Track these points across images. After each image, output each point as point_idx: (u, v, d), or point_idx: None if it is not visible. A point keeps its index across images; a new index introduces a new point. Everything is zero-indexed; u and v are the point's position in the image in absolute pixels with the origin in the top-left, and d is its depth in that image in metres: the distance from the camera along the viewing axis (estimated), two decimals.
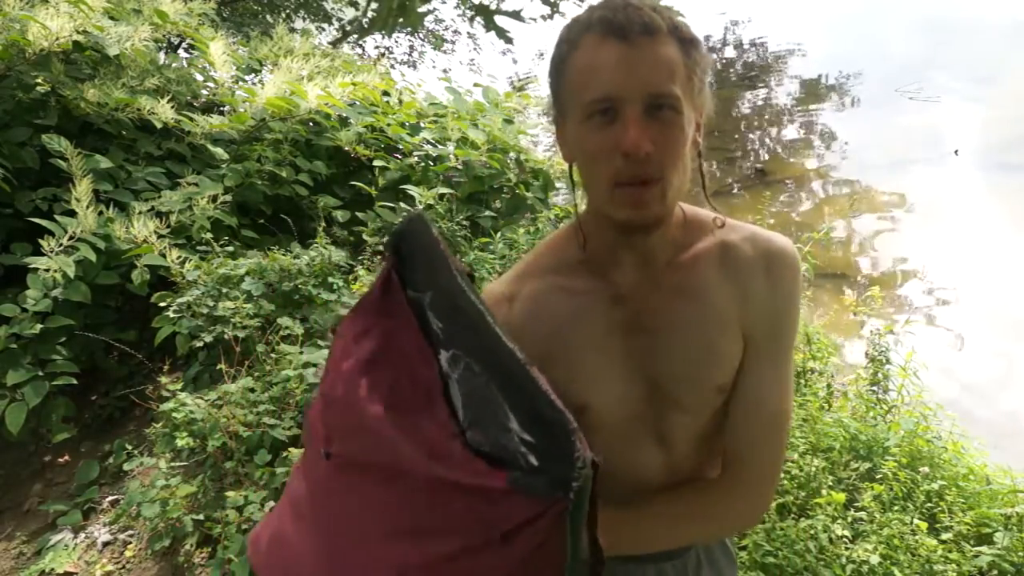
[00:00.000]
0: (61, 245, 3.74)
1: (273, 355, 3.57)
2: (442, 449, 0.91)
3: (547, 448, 0.86)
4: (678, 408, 1.22)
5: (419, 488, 0.92)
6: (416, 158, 5.31)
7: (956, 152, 8.34)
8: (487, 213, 4.98)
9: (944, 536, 2.84)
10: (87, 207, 3.86)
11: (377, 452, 0.96)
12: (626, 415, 1.21)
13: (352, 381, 1.01)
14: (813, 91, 11.58)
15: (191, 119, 4.80)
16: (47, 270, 3.65)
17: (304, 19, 10.10)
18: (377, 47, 13.19)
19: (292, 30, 8.37)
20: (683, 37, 1.06)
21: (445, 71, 12.13)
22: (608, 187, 1.08)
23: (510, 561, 0.87)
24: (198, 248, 4.19)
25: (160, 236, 4.02)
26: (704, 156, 1.22)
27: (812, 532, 2.79)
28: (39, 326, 3.62)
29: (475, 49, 13.88)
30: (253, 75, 6.24)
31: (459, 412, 0.93)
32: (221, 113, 5.63)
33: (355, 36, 11.24)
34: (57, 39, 4.41)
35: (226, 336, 3.58)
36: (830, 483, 3.05)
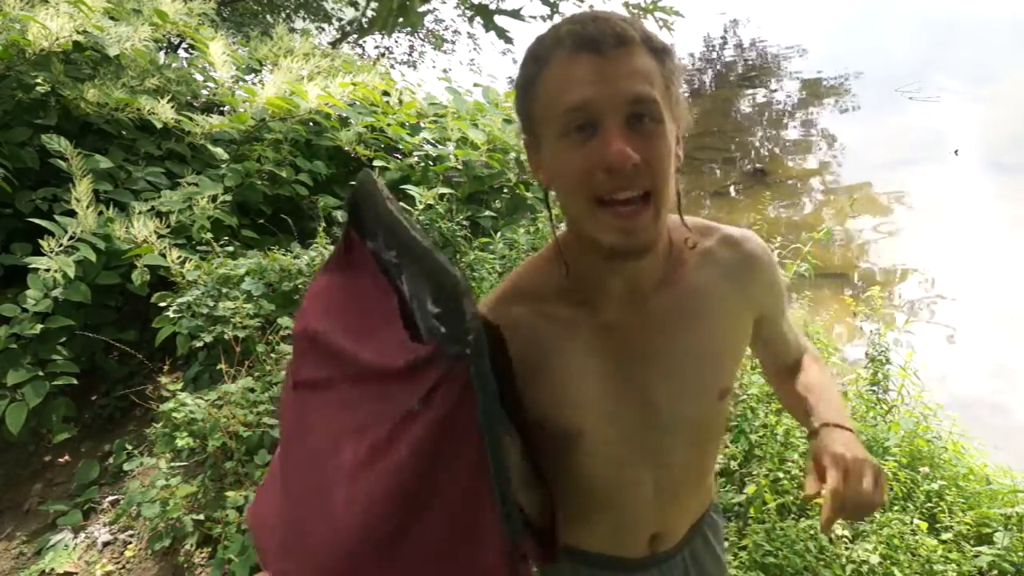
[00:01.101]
0: (61, 245, 3.74)
1: (273, 355, 3.58)
2: (390, 348, 0.97)
3: (448, 313, 0.92)
4: (676, 428, 1.22)
5: (366, 390, 0.99)
6: (416, 158, 5.31)
7: (956, 152, 8.34)
8: (487, 213, 4.98)
9: (944, 536, 2.84)
10: (87, 207, 3.86)
11: (334, 366, 1.03)
12: (621, 439, 1.20)
13: (320, 320, 1.09)
14: (813, 91, 11.58)
15: (191, 119, 4.80)
16: (47, 270, 3.65)
17: (304, 19, 10.10)
18: (377, 47, 13.20)
19: (292, 30, 8.37)
20: (656, 47, 1.02)
21: (445, 71, 12.12)
22: (592, 207, 1.02)
23: (432, 423, 0.91)
24: (198, 248, 4.19)
25: (160, 236, 4.02)
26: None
27: (812, 532, 2.79)
28: (39, 326, 3.61)
29: (475, 49, 13.90)
30: (253, 75, 6.24)
31: (416, 318, 0.99)
32: (221, 113, 5.62)
33: (355, 36, 11.24)
34: (57, 39, 4.41)
35: (226, 336, 3.58)
36: None
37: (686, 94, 1.13)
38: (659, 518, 1.34)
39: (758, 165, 8.86)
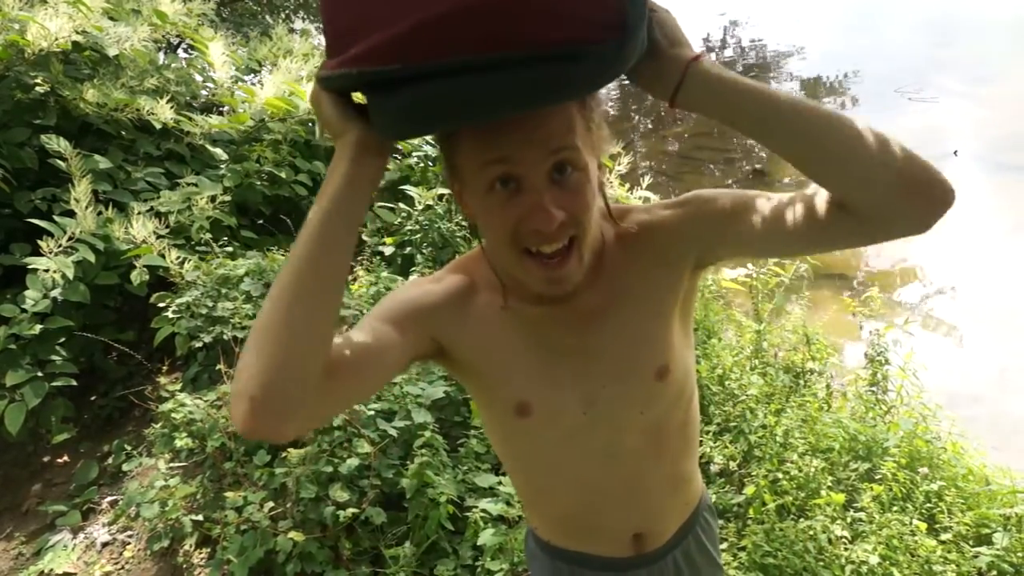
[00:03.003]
0: (60, 246, 3.73)
1: None
2: None
3: None
4: (612, 415, 1.23)
5: None
6: (416, 158, 5.32)
7: (955, 153, 8.33)
8: None
9: (943, 536, 2.84)
10: (86, 207, 3.85)
11: None
12: (566, 425, 1.23)
13: None
14: (812, 91, 11.57)
15: (190, 119, 4.80)
16: (46, 270, 3.65)
17: (303, 19, 10.11)
18: None
19: (291, 30, 8.37)
20: None
21: None
22: (519, 257, 1.06)
23: None
24: (197, 248, 4.19)
25: (159, 236, 4.02)
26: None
27: (811, 533, 2.79)
28: (38, 326, 3.61)
29: None
30: (252, 75, 6.24)
31: None
32: (220, 113, 5.63)
33: None
34: (56, 39, 4.41)
35: (225, 336, 3.58)
36: (829, 484, 3.05)
37: (614, 112, 1.16)
38: (635, 517, 1.35)
39: (757, 166, 8.85)
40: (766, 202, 1.10)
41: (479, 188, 1.03)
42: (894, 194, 1.00)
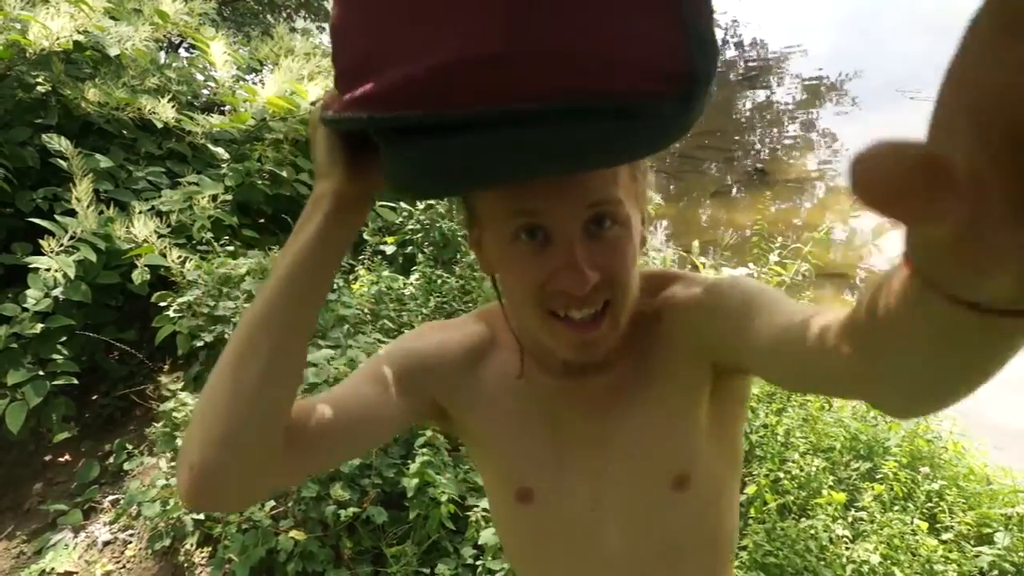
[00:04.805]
0: (62, 245, 3.73)
1: None
2: None
3: None
4: (617, 519, 1.07)
5: None
6: None
7: None
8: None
9: (945, 536, 2.84)
10: (88, 207, 3.85)
11: None
12: (573, 516, 1.08)
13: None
14: (814, 91, 11.58)
15: (192, 119, 4.80)
16: (48, 270, 3.65)
17: (305, 18, 10.10)
18: None
19: (293, 30, 8.36)
20: None
21: None
22: (544, 318, 0.92)
23: None
24: (198, 248, 4.19)
25: (160, 236, 4.02)
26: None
27: (812, 532, 2.79)
28: (40, 326, 3.61)
29: None
30: (254, 74, 6.24)
31: None
32: (222, 113, 5.62)
33: None
34: (58, 39, 4.41)
35: (227, 336, 3.58)
36: (830, 483, 3.05)
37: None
38: None
39: (758, 165, 8.86)
40: (790, 315, 0.82)
41: (501, 237, 0.91)
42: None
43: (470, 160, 0.77)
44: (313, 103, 4.94)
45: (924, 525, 2.81)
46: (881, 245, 6.86)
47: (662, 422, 1.03)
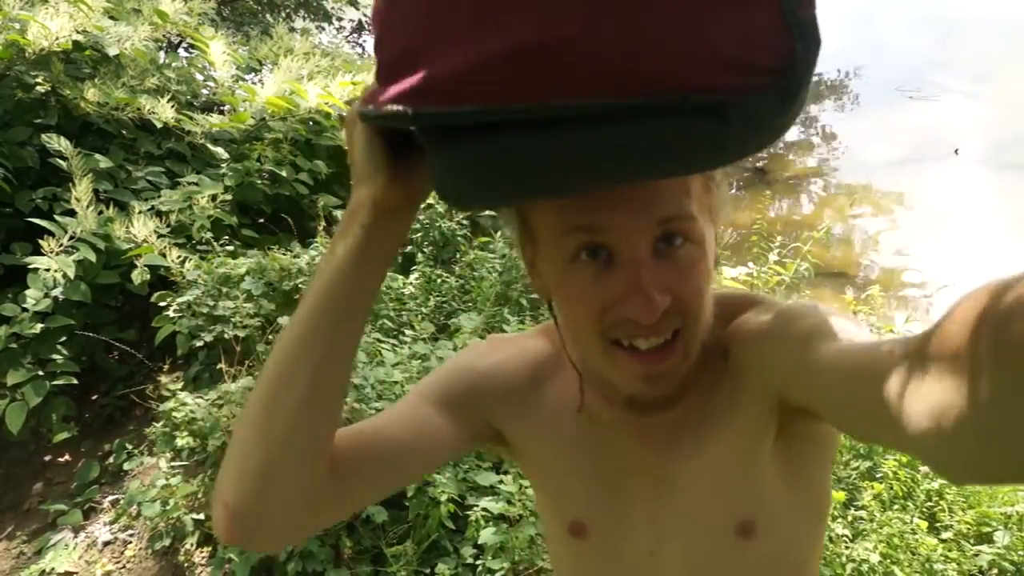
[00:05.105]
0: (61, 245, 3.73)
1: None
2: None
3: None
4: (691, 565, 0.97)
5: None
6: None
7: (956, 151, 8.33)
8: (487, 212, 4.98)
9: (944, 535, 2.84)
10: (87, 207, 3.85)
11: None
12: (629, 557, 0.99)
13: None
14: (813, 90, 11.56)
15: (191, 118, 4.80)
16: (47, 270, 3.65)
17: (304, 18, 10.10)
18: None
19: (292, 29, 8.37)
20: None
21: None
22: (606, 347, 0.82)
23: None
24: (198, 247, 4.19)
25: (160, 236, 4.02)
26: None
27: None
28: (39, 326, 3.61)
29: None
30: (253, 74, 6.24)
31: None
32: (221, 112, 5.62)
33: (355, 34, 11.24)
34: (57, 39, 4.41)
35: (226, 335, 3.58)
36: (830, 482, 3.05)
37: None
38: None
39: (758, 164, 8.85)
40: (863, 354, 0.69)
41: (559, 257, 0.80)
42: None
43: (534, 164, 0.67)
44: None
45: (924, 524, 2.81)
46: (879, 244, 6.86)
47: (726, 464, 0.93)
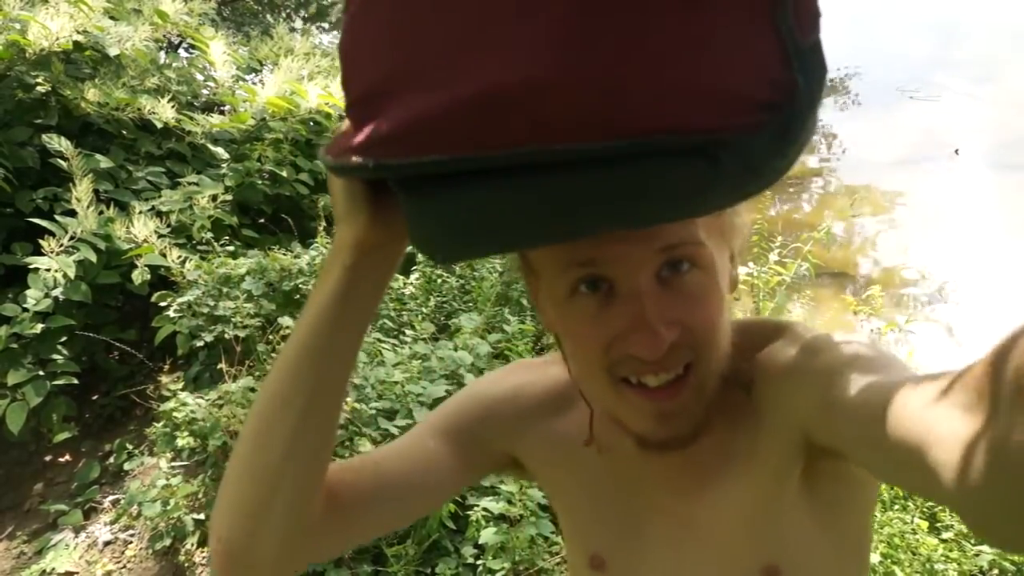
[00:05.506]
0: (62, 245, 3.73)
1: (274, 355, 3.57)
2: None
3: None
4: None
5: None
6: None
7: (957, 151, 8.33)
8: None
9: (945, 535, 2.84)
10: (88, 207, 3.85)
11: None
12: None
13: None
14: None
15: (191, 119, 4.80)
16: (48, 270, 3.65)
17: (304, 19, 10.10)
18: None
19: (292, 30, 8.37)
20: None
21: None
22: (614, 385, 0.77)
23: None
24: (198, 248, 4.19)
25: (160, 236, 4.02)
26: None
27: None
28: (40, 326, 3.61)
29: None
30: (253, 75, 6.24)
31: None
32: (221, 113, 5.63)
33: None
34: (57, 39, 4.41)
35: (227, 336, 3.58)
36: None
37: None
38: None
39: None
40: (896, 393, 0.60)
41: (558, 292, 0.75)
42: None
43: (508, 216, 0.62)
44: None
45: (924, 524, 2.81)
46: (880, 244, 6.86)
47: (748, 505, 0.86)
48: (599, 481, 0.93)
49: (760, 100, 0.55)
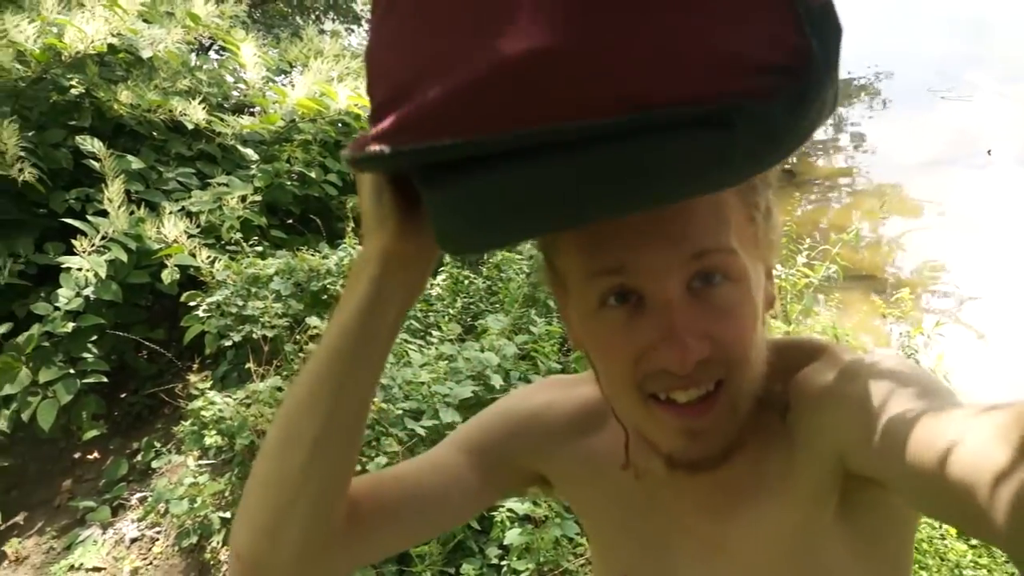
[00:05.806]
0: (93, 245, 3.78)
1: (301, 355, 3.59)
2: None
3: None
4: None
5: None
6: None
7: (989, 152, 8.22)
8: None
9: (974, 541, 2.80)
10: (119, 207, 3.90)
11: None
12: None
13: None
14: (843, 90, 11.45)
15: (222, 120, 4.84)
16: (80, 269, 3.70)
17: (334, 20, 10.15)
18: None
19: (322, 32, 8.41)
20: None
21: None
22: (643, 401, 0.74)
23: None
24: (227, 248, 4.22)
25: (190, 236, 4.06)
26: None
27: None
28: (71, 324, 3.66)
29: None
30: (283, 76, 6.28)
31: None
32: (251, 114, 5.66)
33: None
34: (92, 42, 4.46)
35: (255, 335, 3.60)
36: None
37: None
38: None
39: (786, 165, 8.79)
40: (940, 420, 0.60)
41: (586, 304, 0.73)
42: None
43: (525, 199, 0.60)
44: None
45: (953, 529, 2.78)
46: (910, 246, 6.78)
47: (781, 532, 0.83)
48: (629, 501, 0.91)
49: (774, 64, 0.54)
